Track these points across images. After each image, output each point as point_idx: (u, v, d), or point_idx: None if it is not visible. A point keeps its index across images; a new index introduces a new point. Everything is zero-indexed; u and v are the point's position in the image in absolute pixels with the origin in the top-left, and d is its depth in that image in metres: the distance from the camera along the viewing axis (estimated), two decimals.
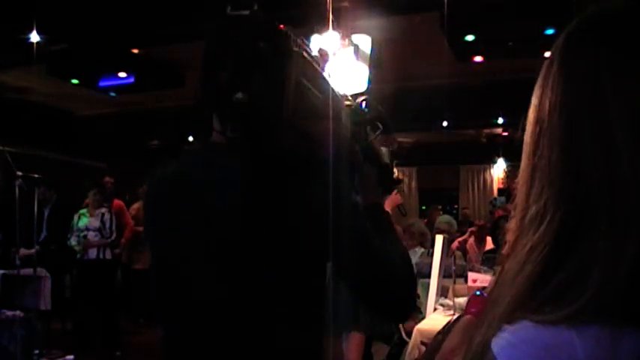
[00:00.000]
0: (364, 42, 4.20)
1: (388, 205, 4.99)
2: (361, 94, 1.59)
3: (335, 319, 4.70)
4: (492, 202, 9.51)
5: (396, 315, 1.49)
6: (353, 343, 4.73)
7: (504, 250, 0.72)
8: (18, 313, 5.90)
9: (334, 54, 4.09)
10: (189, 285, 1.38)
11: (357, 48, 4.17)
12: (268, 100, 1.33)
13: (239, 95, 1.31)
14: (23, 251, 6.78)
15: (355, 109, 1.58)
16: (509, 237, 0.71)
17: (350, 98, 1.61)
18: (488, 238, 7.52)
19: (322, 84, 1.43)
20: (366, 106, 1.62)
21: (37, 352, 6.02)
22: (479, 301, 0.82)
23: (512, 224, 0.71)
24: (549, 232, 0.64)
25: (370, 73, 4.16)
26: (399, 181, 1.64)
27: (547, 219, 0.65)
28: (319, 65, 1.45)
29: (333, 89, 1.45)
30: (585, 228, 0.62)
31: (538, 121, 0.70)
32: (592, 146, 0.63)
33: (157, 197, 1.49)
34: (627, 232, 0.60)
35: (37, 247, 6.90)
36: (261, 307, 1.32)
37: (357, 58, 4.12)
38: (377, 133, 1.60)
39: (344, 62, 4.04)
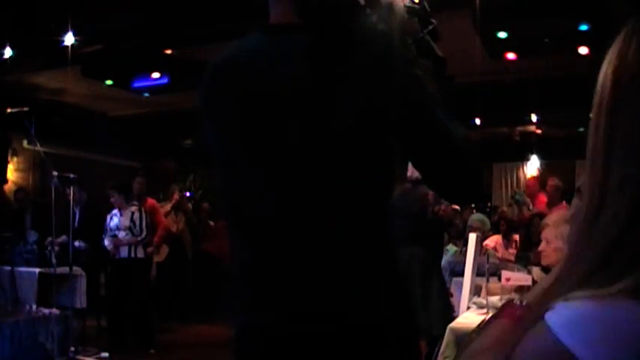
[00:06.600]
0: None
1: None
2: None
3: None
4: (513, 196, 9.05)
5: (467, 196, 1.47)
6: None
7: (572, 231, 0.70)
8: (54, 310, 5.99)
9: None
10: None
11: None
12: None
13: None
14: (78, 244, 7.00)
15: (407, 4, 1.55)
16: (575, 215, 0.68)
17: None
18: (516, 236, 7.39)
19: None
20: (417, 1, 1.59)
21: (72, 349, 6.10)
22: (514, 310, 0.80)
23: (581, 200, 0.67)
24: (627, 207, 0.62)
25: None
26: (452, 77, 1.58)
27: (626, 192, 0.63)
28: None
29: None
30: None
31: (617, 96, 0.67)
32: None
33: (214, 80, 1.46)
34: None
35: (85, 244, 7.13)
36: (328, 183, 1.31)
37: None
38: (429, 27, 1.57)
39: None
